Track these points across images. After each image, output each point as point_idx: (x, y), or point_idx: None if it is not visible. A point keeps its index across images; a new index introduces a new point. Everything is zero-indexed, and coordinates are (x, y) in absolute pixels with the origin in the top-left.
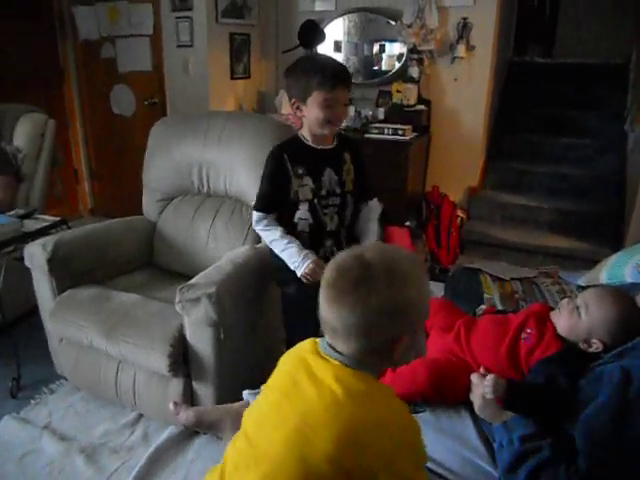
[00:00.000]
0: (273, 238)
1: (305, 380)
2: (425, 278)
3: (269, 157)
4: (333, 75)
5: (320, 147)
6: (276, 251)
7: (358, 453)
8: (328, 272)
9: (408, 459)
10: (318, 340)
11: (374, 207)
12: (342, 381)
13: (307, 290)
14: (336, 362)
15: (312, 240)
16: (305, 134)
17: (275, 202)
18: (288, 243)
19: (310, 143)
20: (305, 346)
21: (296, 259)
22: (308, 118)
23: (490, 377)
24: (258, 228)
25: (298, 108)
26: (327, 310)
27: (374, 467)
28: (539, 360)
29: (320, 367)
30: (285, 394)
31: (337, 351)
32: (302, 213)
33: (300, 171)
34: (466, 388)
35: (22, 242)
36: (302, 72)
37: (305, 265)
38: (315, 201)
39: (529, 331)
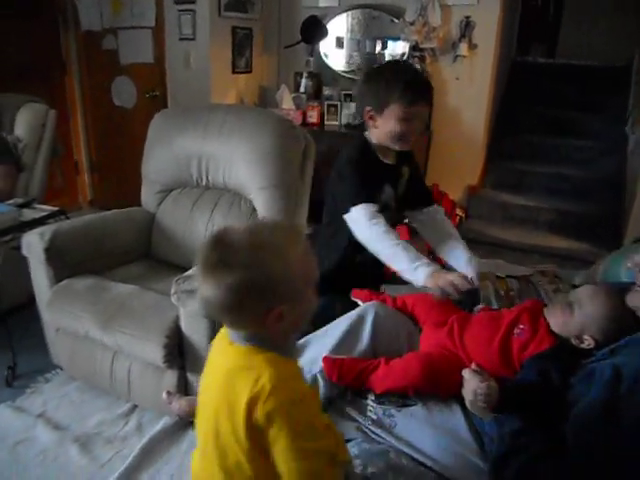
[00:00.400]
0: (399, 242)
1: (216, 362)
2: (301, 253)
3: (355, 161)
4: (417, 89)
5: (385, 161)
6: (399, 262)
7: (237, 425)
8: (201, 249)
9: (286, 429)
10: None
11: (438, 210)
12: (230, 359)
13: (334, 302)
14: (233, 342)
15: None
16: (372, 142)
17: (373, 192)
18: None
19: (377, 153)
20: (222, 329)
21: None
22: (381, 130)
23: (483, 386)
24: (364, 225)
25: (371, 118)
26: (200, 286)
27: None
28: (531, 356)
29: (223, 350)
30: (206, 376)
31: (246, 339)
32: None
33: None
34: (458, 382)
35: (20, 231)
36: (383, 81)
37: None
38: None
39: (522, 327)
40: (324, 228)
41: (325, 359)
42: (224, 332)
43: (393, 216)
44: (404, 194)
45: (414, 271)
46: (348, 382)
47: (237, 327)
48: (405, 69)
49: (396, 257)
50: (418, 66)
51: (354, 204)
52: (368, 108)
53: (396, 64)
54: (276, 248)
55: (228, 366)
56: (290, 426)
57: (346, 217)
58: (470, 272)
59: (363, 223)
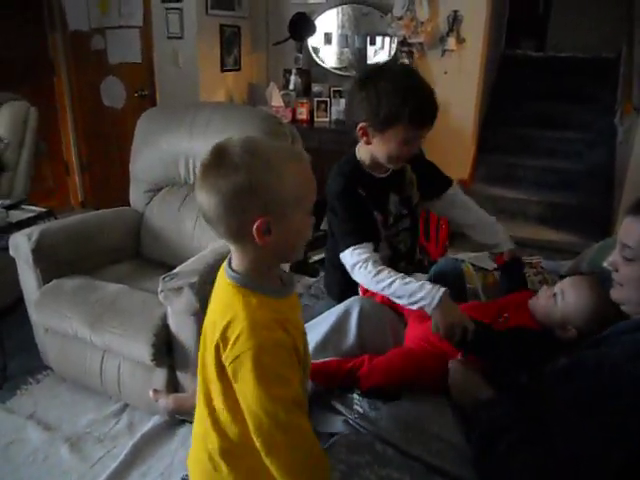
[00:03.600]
0: (393, 282)
1: (213, 296)
2: (296, 171)
3: (341, 195)
4: (429, 110)
5: (381, 176)
6: (400, 301)
7: (211, 363)
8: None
9: (251, 373)
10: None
11: (457, 192)
12: (218, 294)
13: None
14: (225, 276)
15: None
16: (365, 160)
17: (369, 230)
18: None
19: (370, 171)
20: (220, 273)
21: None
22: (375, 148)
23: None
24: (362, 272)
25: (366, 134)
26: (197, 196)
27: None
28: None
29: (218, 284)
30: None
31: (232, 270)
32: (381, 249)
33: (371, 207)
34: (442, 376)
35: (7, 232)
36: (387, 97)
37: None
38: (388, 233)
39: (506, 315)
40: (331, 248)
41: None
42: (224, 265)
43: (413, 220)
44: (419, 187)
45: (419, 303)
46: (335, 385)
47: (228, 238)
48: (416, 84)
49: (395, 296)
50: (406, 61)
51: (347, 246)
52: (363, 124)
53: (401, 74)
54: (269, 157)
55: (216, 300)
56: (256, 371)
57: (341, 256)
58: (508, 244)
59: (355, 269)
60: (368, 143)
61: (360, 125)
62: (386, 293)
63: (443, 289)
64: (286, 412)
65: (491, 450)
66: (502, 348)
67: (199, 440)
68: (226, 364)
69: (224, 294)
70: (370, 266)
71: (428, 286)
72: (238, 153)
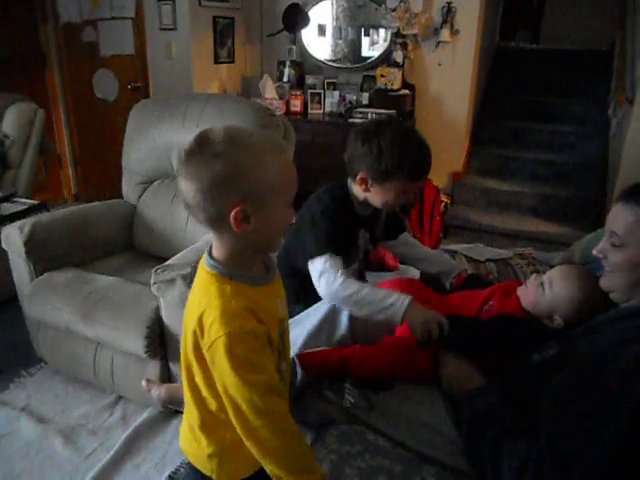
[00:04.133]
0: (362, 288)
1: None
2: (277, 161)
3: (332, 214)
4: (425, 166)
5: (362, 214)
6: (367, 309)
7: (189, 349)
8: None
9: (225, 360)
10: None
11: (405, 237)
12: (197, 281)
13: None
14: (208, 272)
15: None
16: (357, 198)
17: (347, 250)
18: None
19: (357, 209)
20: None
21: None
22: (372, 197)
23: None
24: (329, 279)
25: (364, 183)
26: (179, 185)
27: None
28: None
29: (198, 272)
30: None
31: (211, 258)
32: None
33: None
34: (433, 365)
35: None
36: (388, 152)
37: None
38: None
39: (491, 303)
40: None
41: (300, 357)
42: (204, 253)
43: (371, 256)
44: (383, 232)
45: (388, 309)
46: (326, 374)
47: (207, 225)
48: (415, 142)
49: (364, 302)
50: (400, 53)
51: (321, 253)
52: (363, 174)
53: (402, 131)
54: (249, 145)
55: (195, 288)
56: (229, 357)
57: (310, 263)
58: (459, 267)
59: (323, 277)
60: (366, 191)
61: (360, 175)
62: (353, 300)
63: (410, 296)
64: (261, 396)
65: (480, 438)
66: (481, 339)
67: (185, 415)
68: (203, 350)
69: (202, 282)
70: (339, 275)
71: (396, 294)
72: (219, 141)
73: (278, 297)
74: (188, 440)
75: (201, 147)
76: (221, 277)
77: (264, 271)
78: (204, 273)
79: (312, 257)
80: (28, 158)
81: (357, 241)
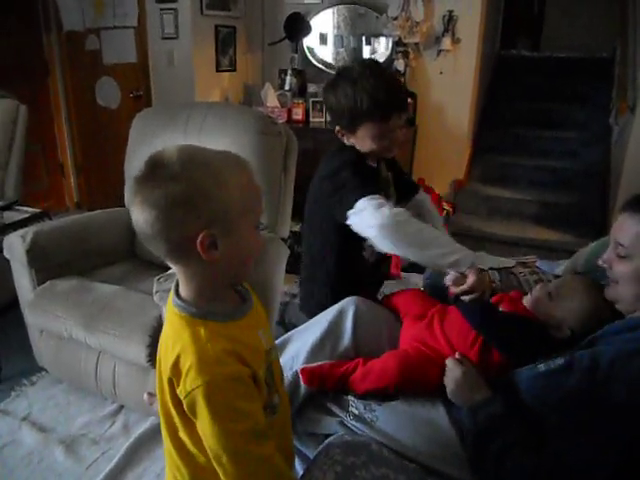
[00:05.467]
0: (420, 226)
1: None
2: (239, 180)
3: (351, 164)
4: (387, 103)
5: (372, 165)
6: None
7: (167, 398)
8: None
9: (206, 410)
10: None
11: (424, 198)
12: (167, 326)
13: None
14: (177, 314)
15: (375, 268)
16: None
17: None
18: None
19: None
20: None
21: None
22: (361, 147)
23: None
24: (385, 211)
25: (344, 136)
26: (132, 215)
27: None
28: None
29: (167, 315)
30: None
31: (178, 298)
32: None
33: None
34: (437, 378)
35: (1, 234)
36: (345, 98)
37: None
38: None
39: (501, 310)
40: (310, 269)
41: (303, 371)
42: (172, 292)
43: None
44: (395, 187)
45: (455, 254)
46: (329, 389)
47: (170, 257)
48: (371, 81)
49: (428, 240)
50: (402, 61)
51: (361, 196)
52: (338, 128)
53: (358, 74)
54: (208, 164)
55: (167, 327)
56: (210, 407)
57: (350, 214)
58: None
59: (379, 211)
60: (351, 143)
61: (336, 130)
62: (412, 239)
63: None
64: (245, 444)
65: (486, 451)
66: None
67: (168, 467)
68: (181, 398)
69: (173, 326)
70: (393, 208)
71: (462, 248)
72: (175, 162)
73: (260, 327)
74: None
75: (155, 170)
76: (192, 319)
77: (239, 302)
78: (174, 316)
79: (350, 207)
80: (14, 159)
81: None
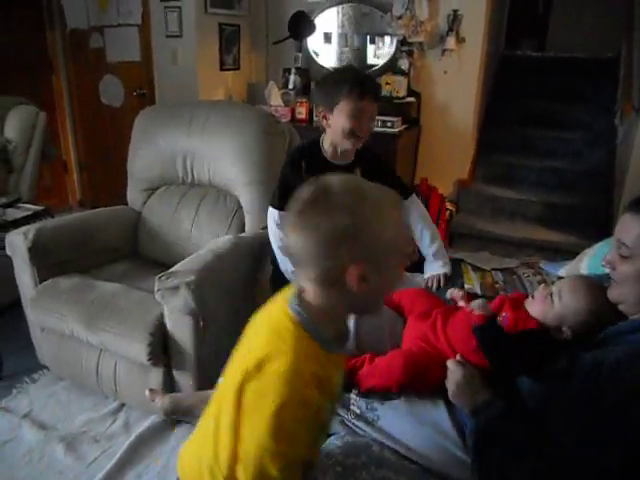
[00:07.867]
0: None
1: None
2: (398, 218)
3: (288, 161)
4: (362, 85)
5: (336, 162)
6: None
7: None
8: (298, 194)
9: (265, 421)
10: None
11: (412, 206)
12: (274, 314)
13: None
14: (290, 318)
15: None
16: (326, 145)
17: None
18: None
19: (328, 156)
20: (278, 300)
21: None
22: (334, 129)
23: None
24: (270, 225)
25: (325, 117)
26: (289, 237)
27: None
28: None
29: (277, 301)
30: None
31: (299, 304)
32: None
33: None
34: (440, 378)
35: (4, 231)
36: (331, 81)
37: None
38: None
39: (504, 314)
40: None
41: None
42: (288, 293)
43: None
44: None
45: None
46: None
47: (316, 282)
48: (351, 70)
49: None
50: (406, 61)
51: (269, 204)
52: (321, 108)
53: (344, 67)
54: (377, 203)
55: (264, 323)
56: (272, 421)
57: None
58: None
59: (270, 228)
60: (328, 126)
61: (320, 110)
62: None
63: None
64: (281, 470)
65: (488, 453)
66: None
67: (201, 454)
68: (246, 391)
69: (277, 323)
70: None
71: None
72: (344, 192)
73: (341, 368)
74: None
75: (323, 196)
76: (303, 330)
77: (343, 338)
78: (282, 315)
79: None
80: (30, 162)
81: None
